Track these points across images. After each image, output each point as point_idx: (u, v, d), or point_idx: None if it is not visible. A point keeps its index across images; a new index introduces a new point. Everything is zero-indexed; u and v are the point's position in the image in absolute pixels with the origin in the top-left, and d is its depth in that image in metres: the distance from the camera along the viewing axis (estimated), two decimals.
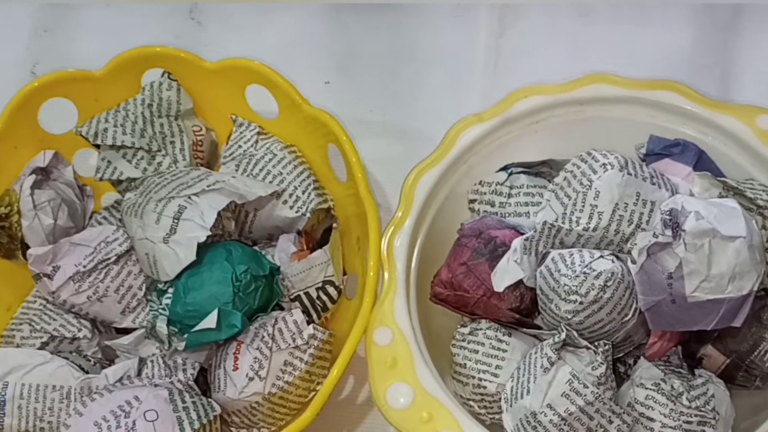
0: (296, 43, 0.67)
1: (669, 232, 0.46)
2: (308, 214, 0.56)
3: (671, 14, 0.64)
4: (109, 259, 0.54)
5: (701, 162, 0.53)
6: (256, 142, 0.59)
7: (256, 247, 0.56)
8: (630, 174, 0.49)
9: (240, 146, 0.59)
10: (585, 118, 0.55)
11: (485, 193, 0.54)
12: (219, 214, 0.52)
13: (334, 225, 0.57)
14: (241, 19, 0.68)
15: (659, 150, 0.54)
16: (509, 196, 0.53)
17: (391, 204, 0.61)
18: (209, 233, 0.52)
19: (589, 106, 0.55)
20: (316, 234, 0.58)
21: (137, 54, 0.58)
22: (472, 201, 0.55)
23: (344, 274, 0.56)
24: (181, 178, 0.55)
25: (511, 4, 0.65)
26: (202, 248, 0.52)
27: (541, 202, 0.52)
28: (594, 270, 0.47)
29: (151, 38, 0.66)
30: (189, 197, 0.53)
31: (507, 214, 0.54)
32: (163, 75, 0.58)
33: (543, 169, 0.55)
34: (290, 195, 0.56)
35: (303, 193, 0.56)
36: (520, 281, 0.50)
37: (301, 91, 0.61)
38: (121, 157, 0.57)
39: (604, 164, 0.50)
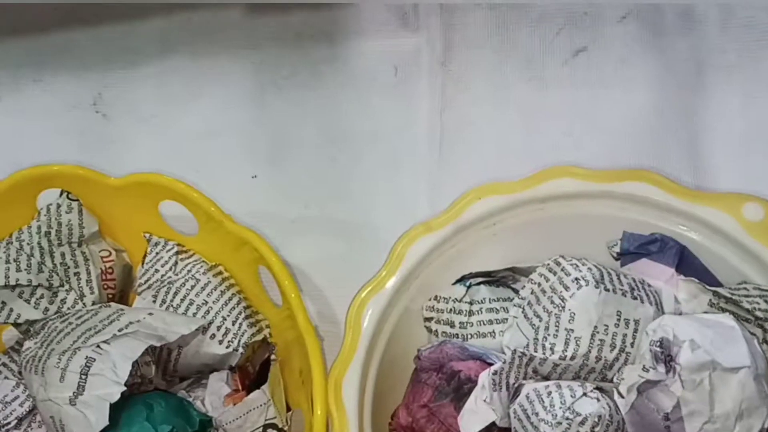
0: (216, 132, 0.59)
1: (661, 368, 0.39)
2: (241, 349, 0.48)
3: (630, 74, 0.56)
4: (8, 423, 0.45)
5: (684, 260, 0.47)
6: (175, 264, 0.51)
7: (183, 391, 0.48)
8: (607, 290, 0.42)
9: (157, 270, 0.51)
10: (548, 216, 0.49)
11: (443, 311, 0.48)
12: (135, 361, 0.44)
13: (273, 357, 0.49)
14: (151, 108, 0.59)
15: (635, 248, 0.48)
16: (470, 314, 0.47)
17: (336, 314, 0.54)
18: (124, 389, 0.43)
19: (551, 203, 0.49)
20: (253, 368, 0.50)
21: (30, 175, 0.50)
22: (428, 319, 0.48)
23: (288, 410, 0.48)
24: (87, 321, 0.47)
25: (454, 73, 0.57)
26: (118, 405, 0.44)
27: (506, 319, 0.46)
28: (578, 414, 0.40)
29: (51, 137, 0.59)
30: (98, 346, 0.45)
31: (469, 336, 0.47)
32: (61, 195, 0.50)
33: (505, 275, 0.48)
34: (218, 328, 0.48)
35: (233, 324, 0.48)
36: (492, 423, 0.42)
37: (226, 187, 0.54)
38: (17, 296, 0.49)
39: (576, 279, 0.43)
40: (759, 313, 0.42)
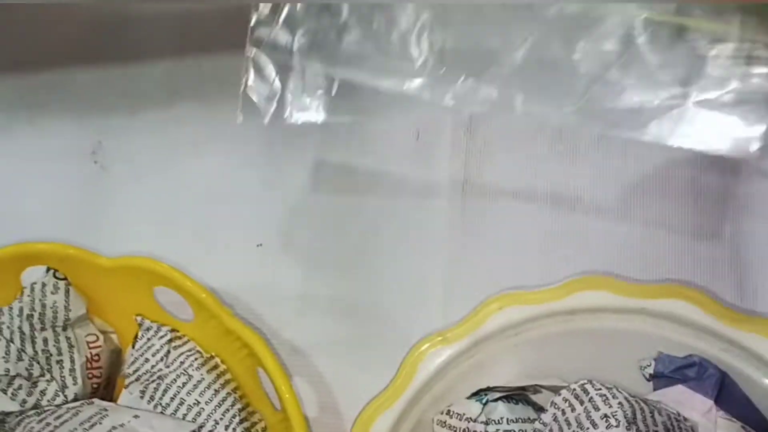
0: (223, 193, 0.54)
1: None
2: None
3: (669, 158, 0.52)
4: None
5: (724, 390, 0.43)
6: (168, 353, 0.47)
7: None
8: (640, 431, 0.38)
9: (147, 360, 0.47)
10: (576, 329, 0.44)
11: (457, 429, 0.43)
12: None
13: None
14: (152, 161, 0.55)
15: (670, 372, 0.43)
16: None
17: (339, 405, 0.50)
18: None
19: (579, 316, 0.44)
20: None
21: (14, 253, 0.46)
22: None
23: None
24: (67, 423, 0.43)
25: (479, 141, 0.53)
26: None
27: None
28: None
29: (48, 188, 0.55)
30: None
31: None
32: (47, 273, 0.46)
33: (526, 391, 0.44)
34: None
35: (226, 428, 0.45)
36: None
37: (228, 255, 0.50)
38: None
39: (606, 416, 0.39)
40: None
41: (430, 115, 0.56)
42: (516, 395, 0.45)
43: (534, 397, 0.45)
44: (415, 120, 0.56)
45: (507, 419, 0.44)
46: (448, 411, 0.44)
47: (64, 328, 0.46)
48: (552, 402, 0.42)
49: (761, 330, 0.42)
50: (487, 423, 0.43)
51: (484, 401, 0.44)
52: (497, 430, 0.43)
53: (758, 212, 0.51)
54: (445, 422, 0.44)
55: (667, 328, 0.44)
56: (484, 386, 0.44)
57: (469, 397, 0.45)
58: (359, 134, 0.56)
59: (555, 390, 0.43)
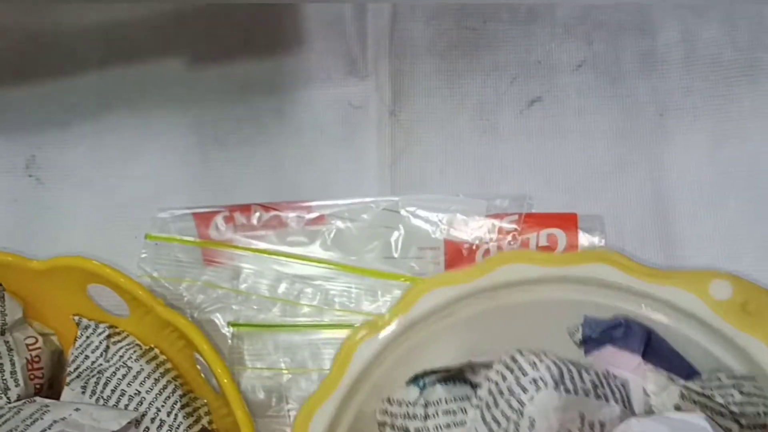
0: (157, 195, 0.55)
1: None
2: None
3: (588, 124, 0.53)
4: None
5: (651, 346, 0.44)
6: (107, 349, 0.47)
7: None
8: (568, 391, 0.39)
9: (87, 357, 0.47)
10: (503, 304, 0.45)
11: (396, 416, 0.44)
12: None
13: None
14: (87, 171, 0.56)
15: (598, 335, 0.44)
16: (426, 417, 0.43)
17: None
18: None
19: (504, 291, 0.45)
20: None
21: None
22: (381, 424, 0.44)
23: None
24: (9, 421, 0.44)
25: (404, 123, 0.54)
26: None
27: (465, 421, 0.43)
28: None
29: None
30: None
31: None
32: None
33: (462, 368, 0.45)
34: (152, 420, 0.46)
35: (168, 415, 0.45)
36: None
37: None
38: None
39: (534, 380, 0.40)
40: (733, 407, 0.39)
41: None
42: (453, 376, 0.45)
43: (471, 377, 0.46)
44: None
45: (445, 399, 0.44)
46: (388, 398, 0.45)
47: (2, 333, 0.47)
48: (486, 376, 0.43)
49: (680, 282, 0.43)
50: (426, 406, 0.44)
51: (421, 385, 0.45)
52: (436, 411, 0.44)
53: (679, 143, 0.52)
54: (386, 410, 0.45)
55: (591, 292, 0.45)
56: (420, 371, 0.45)
57: (407, 383, 0.45)
58: (287, 125, 0.57)
59: (490, 366, 0.44)
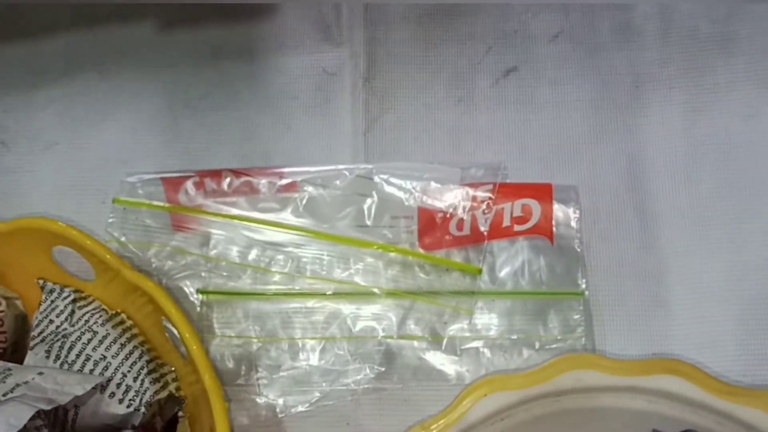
0: (124, 160, 0.54)
1: None
2: (143, 409, 0.44)
3: (564, 95, 0.53)
4: None
5: None
6: (72, 313, 0.46)
7: None
8: None
9: (51, 321, 0.46)
10: (565, 409, 0.44)
11: None
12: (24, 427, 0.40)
13: (180, 414, 0.45)
14: (54, 135, 0.55)
15: None
16: None
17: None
18: None
19: (568, 397, 0.43)
20: (162, 423, 0.46)
21: None
22: None
23: None
24: None
25: (378, 90, 0.54)
26: None
27: None
28: None
29: None
30: None
31: None
32: None
33: None
34: (118, 385, 0.44)
35: (134, 380, 0.44)
36: None
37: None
38: None
39: None
40: None
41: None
42: None
43: None
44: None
45: None
46: None
47: None
48: None
49: (754, 402, 0.42)
50: None
51: None
52: None
53: (654, 114, 0.52)
54: None
55: (660, 403, 0.43)
56: None
57: None
58: (260, 91, 0.56)
59: None
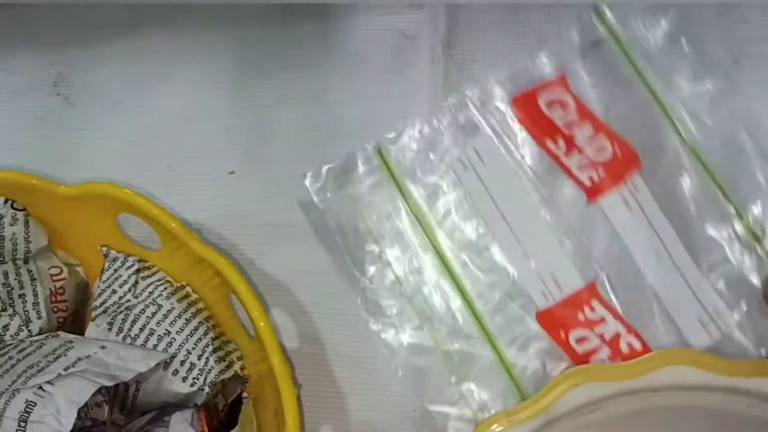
0: (190, 121, 0.52)
1: None
2: (207, 388, 0.42)
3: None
4: None
5: None
6: (136, 283, 0.44)
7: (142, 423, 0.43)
8: None
9: (114, 291, 0.44)
10: (658, 406, 0.41)
11: None
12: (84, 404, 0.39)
13: (245, 395, 0.43)
14: (118, 92, 0.53)
15: None
16: None
17: (320, 334, 0.48)
18: None
19: (663, 393, 0.40)
20: (224, 402, 0.44)
21: None
22: None
23: None
24: (31, 356, 0.41)
25: (458, 58, 0.50)
26: None
27: None
28: None
29: (9, 122, 0.52)
30: (40, 387, 0.39)
31: None
32: (5, 204, 0.44)
33: None
34: (182, 363, 0.42)
35: (199, 359, 0.43)
36: None
37: (200, 185, 0.48)
38: None
39: None
40: None
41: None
42: None
43: None
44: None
45: None
46: None
47: (25, 261, 0.44)
48: None
49: None
50: None
51: None
52: None
53: None
54: None
55: (760, 407, 0.40)
56: None
57: None
58: (332, 52, 0.53)
59: None
